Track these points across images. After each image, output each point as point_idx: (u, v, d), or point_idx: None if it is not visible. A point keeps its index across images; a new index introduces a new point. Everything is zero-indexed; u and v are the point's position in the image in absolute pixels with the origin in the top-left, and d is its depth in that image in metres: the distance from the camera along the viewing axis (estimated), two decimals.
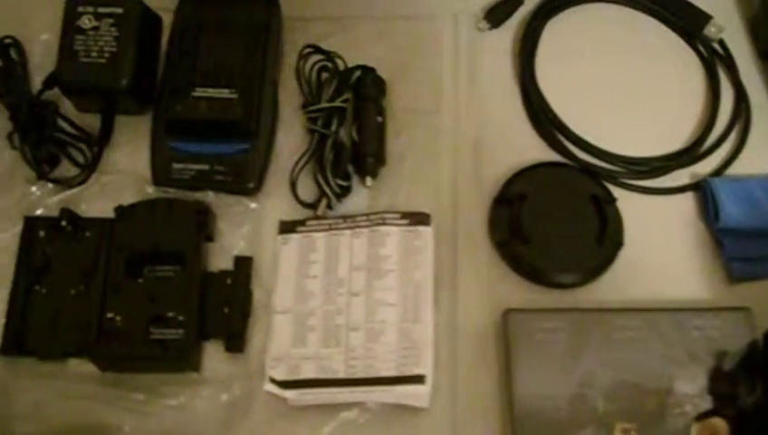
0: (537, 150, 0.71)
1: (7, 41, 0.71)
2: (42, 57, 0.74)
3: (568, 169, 0.70)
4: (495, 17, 0.75)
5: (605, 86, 0.74)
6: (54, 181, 0.69)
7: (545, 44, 0.75)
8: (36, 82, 0.72)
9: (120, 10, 0.69)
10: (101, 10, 0.69)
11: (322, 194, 0.67)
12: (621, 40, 0.76)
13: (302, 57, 0.71)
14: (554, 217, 0.68)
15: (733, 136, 0.73)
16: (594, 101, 0.73)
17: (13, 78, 0.71)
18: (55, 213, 0.68)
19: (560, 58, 0.74)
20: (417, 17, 0.75)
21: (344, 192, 0.67)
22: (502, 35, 0.76)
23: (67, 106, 0.71)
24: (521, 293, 0.67)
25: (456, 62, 0.74)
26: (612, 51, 0.75)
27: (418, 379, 0.62)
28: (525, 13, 0.77)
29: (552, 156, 0.71)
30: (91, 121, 0.72)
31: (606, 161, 0.70)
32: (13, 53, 0.72)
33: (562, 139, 0.71)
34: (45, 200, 0.69)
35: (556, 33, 0.76)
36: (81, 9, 0.69)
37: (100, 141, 0.70)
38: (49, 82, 0.71)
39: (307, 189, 0.69)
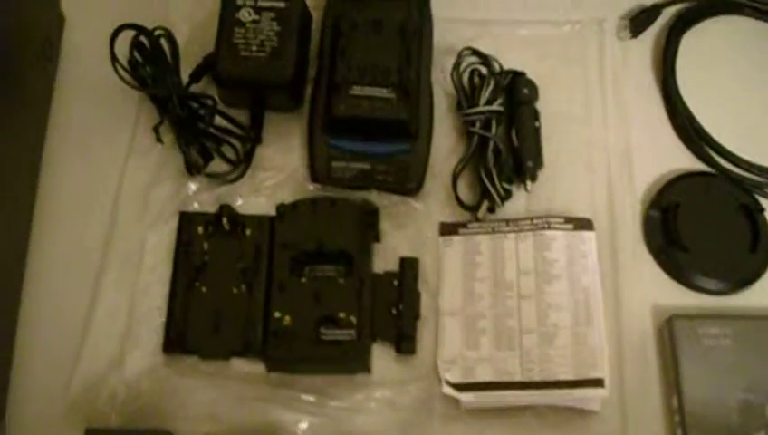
0: (683, 159, 0.72)
1: (158, 32, 0.69)
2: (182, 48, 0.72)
3: (716, 179, 0.71)
4: (637, 26, 0.76)
5: (745, 97, 0.75)
6: (210, 176, 0.67)
7: (684, 54, 0.75)
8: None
9: (281, 4, 0.68)
10: (262, 3, 0.68)
11: (484, 197, 0.67)
12: (759, 52, 0.77)
13: (460, 58, 0.70)
14: (707, 225, 0.69)
15: None
16: (734, 112, 0.74)
17: (163, 70, 0.69)
18: (210, 209, 0.67)
19: (700, 68, 0.75)
20: (560, 22, 0.76)
21: (507, 196, 0.67)
22: (640, 45, 0.76)
23: None
24: (678, 299, 0.67)
25: (601, 69, 0.74)
26: (750, 62, 0.76)
27: (597, 382, 0.62)
28: (662, 23, 0.77)
29: (698, 165, 0.72)
30: (236, 116, 0.70)
31: (752, 172, 0.71)
32: (164, 44, 0.70)
33: (708, 149, 0.72)
34: (199, 196, 0.67)
35: (695, 43, 0.76)
36: (240, 2, 0.68)
37: (255, 137, 0.68)
38: (197, 75, 0.70)
39: (463, 191, 0.69)
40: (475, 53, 0.71)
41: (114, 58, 0.68)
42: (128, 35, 0.67)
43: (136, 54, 0.69)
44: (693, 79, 0.75)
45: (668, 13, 0.78)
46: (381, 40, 0.70)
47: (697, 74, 0.75)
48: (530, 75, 0.72)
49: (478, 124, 0.69)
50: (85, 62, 0.73)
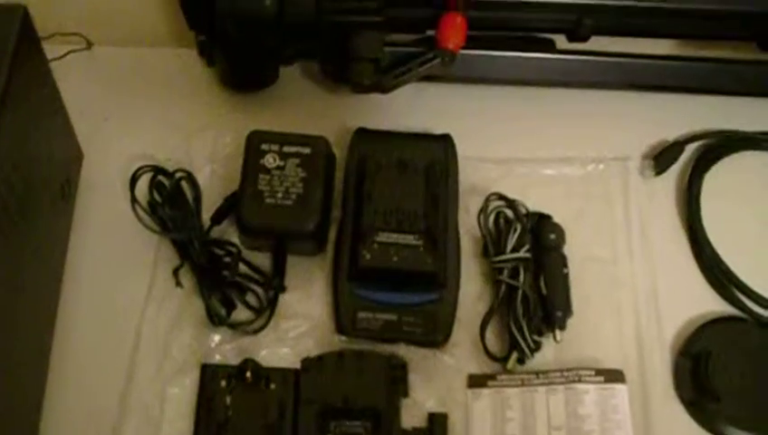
0: (711, 303, 0.71)
1: (179, 174, 0.68)
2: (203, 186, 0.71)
3: (747, 325, 0.70)
4: (661, 164, 0.75)
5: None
6: (233, 327, 0.66)
7: (709, 191, 0.75)
8: None
9: (307, 150, 0.67)
10: (287, 149, 0.67)
11: (513, 347, 0.66)
12: None
13: (488, 202, 0.69)
14: (739, 373, 0.67)
15: None
16: (762, 251, 0.73)
17: (184, 213, 0.67)
18: (232, 360, 0.65)
19: (726, 205, 0.74)
20: (585, 161, 0.75)
21: (537, 347, 0.66)
22: (664, 182, 0.76)
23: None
24: None
25: (626, 208, 0.73)
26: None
27: None
28: (685, 158, 0.77)
29: (727, 308, 0.71)
30: (258, 259, 0.69)
31: None
32: (185, 188, 0.69)
33: (737, 292, 0.71)
34: (222, 347, 0.66)
35: (719, 179, 0.76)
36: (265, 147, 0.67)
37: (278, 285, 0.67)
38: (218, 217, 0.69)
39: (491, 341, 0.67)
40: (502, 197, 0.69)
41: (134, 199, 0.67)
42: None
43: (156, 195, 0.68)
44: (719, 216, 0.74)
45: (691, 148, 0.77)
46: (407, 182, 0.69)
47: (723, 212, 0.74)
48: (555, 215, 0.71)
49: (506, 272, 0.68)
50: (102, 200, 0.72)
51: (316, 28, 0.70)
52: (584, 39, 0.73)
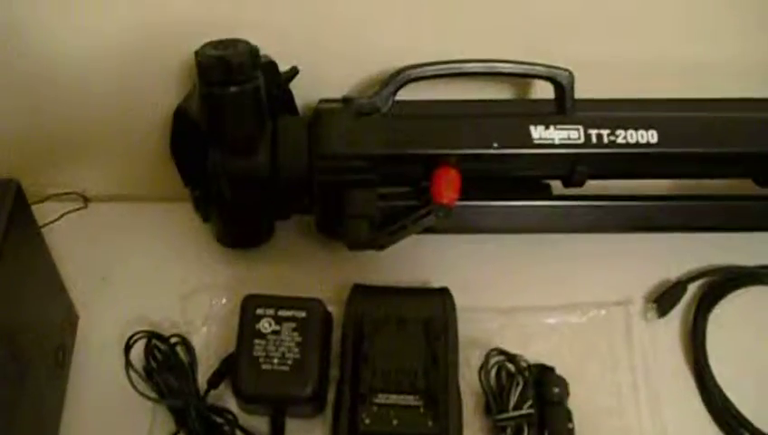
0: None
1: (174, 339, 0.68)
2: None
3: None
4: (664, 306, 0.74)
5: None
6: None
7: (715, 330, 0.74)
8: None
9: (302, 314, 0.67)
10: (282, 313, 0.67)
11: None
12: None
13: (489, 358, 0.68)
14: None
15: None
16: None
17: (180, 379, 0.67)
18: None
19: (732, 345, 0.73)
20: (587, 307, 0.74)
21: None
22: (668, 324, 0.75)
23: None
24: None
25: (630, 354, 0.72)
26: None
27: None
28: (688, 298, 0.76)
29: None
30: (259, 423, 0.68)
31: None
32: (180, 353, 0.68)
33: None
34: None
35: (724, 318, 0.75)
36: (260, 312, 0.67)
37: None
38: (215, 381, 0.68)
39: None
40: (502, 352, 0.68)
41: (129, 365, 0.66)
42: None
43: (151, 361, 0.68)
44: (726, 356, 0.72)
45: (694, 287, 0.76)
46: (405, 340, 0.68)
47: (731, 351, 0.73)
48: (558, 366, 0.70)
49: (509, 431, 0.66)
50: (97, 363, 0.71)
51: (310, 186, 0.70)
52: (579, 185, 0.73)
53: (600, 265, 0.76)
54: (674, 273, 0.77)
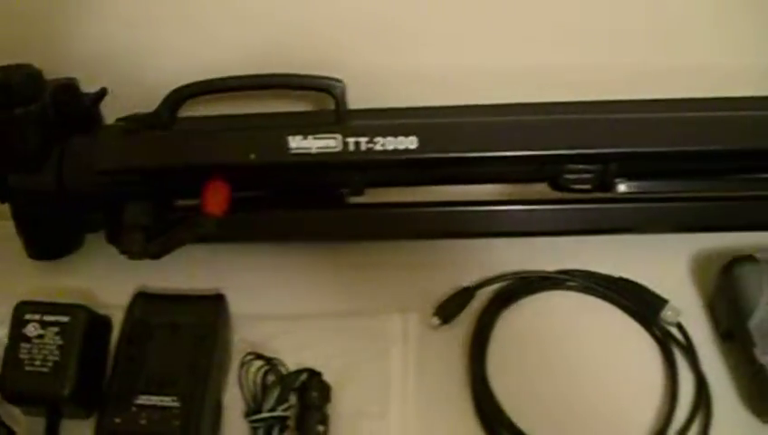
0: None
1: None
2: None
3: None
4: (446, 312, 0.75)
5: (561, 379, 0.72)
6: None
7: (500, 337, 0.74)
8: None
9: (65, 318, 0.70)
10: (47, 318, 0.70)
11: None
12: (576, 328, 0.75)
13: (245, 363, 0.70)
14: None
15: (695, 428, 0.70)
16: (552, 400, 0.71)
17: None
18: None
19: (515, 351, 0.73)
20: (366, 314, 0.75)
21: None
22: (455, 331, 0.75)
23: None
24: None
25: (405, 361, 0.73)
26: (567, 340, 0.74)
27: None
28: (477, 306, 0.76)
29: None
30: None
31: None
32: None
33: None
34: None
35: (511, 324, 0.75)
36: (28, 317, 0.70)
37: None
38: None
39: None
40: (260, 356, 0.70)
41: None
42: None
43: None
44: (509, 363, 0.73)
45: (485, 293, 0.77)
46: (175, 345, 0.71)
47: (514, 358, 0.73)
48: (332, 372, 0.71)
49: (261, 432, 0.68)
50: None
51: (95, 200, 0.74)
52: (358, 194, 0.75)
53: (386, 273, 0.77)
54: (466, 280, 0.77)
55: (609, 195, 0.76)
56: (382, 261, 0.78)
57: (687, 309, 0.77)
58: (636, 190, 0.76)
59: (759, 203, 0.78)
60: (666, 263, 0.80)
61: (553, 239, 0.79)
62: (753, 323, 0.71)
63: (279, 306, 0.76)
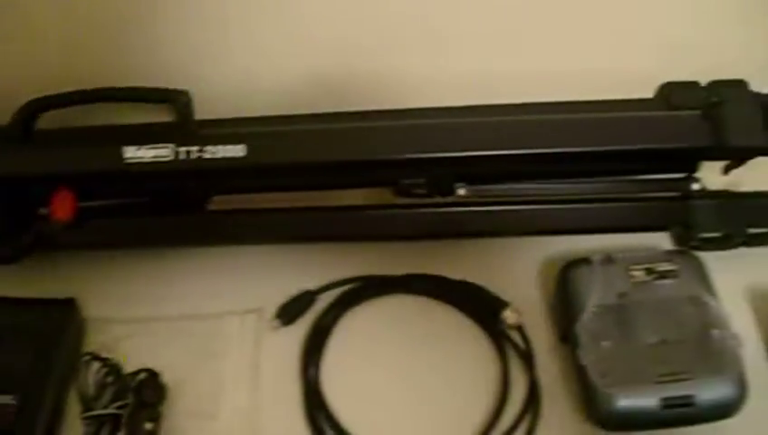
0: None
1: None
2: None
3: None
4: (287, 314, 0.77)
5: (396, 382, 0.74)
6: None
7: (341, 340, 0.76)
8: None
9: None
10: None
11: None
12: (416, 331, 0.77)
13: (84, 364, 0.73)
14: None
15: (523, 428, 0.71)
16: (384, 403, 0.73)
17: None
18: None
19: (354, 354, 0.76)
20: (211, 316, 0.77)
21: None
22: (298, 334, 0.77)
23: None
24: None
25: (240, 363, 0.75)
26: (407, 343, 0.76)
27: None
28: (319, 309, 0.78)
29: None
30: None
31: None
32: None
33: None
34: None
35: (352, 327, 0.77)
36: None
37: None
38: None
39: None
40: (96, 357, 0.73)
41: None
42: None
43: None
44: (344, 367, 0.75)
45: (328, 297, 0.79)
46: (21, 347, 0.74)
47: (350, 360, 0.75)
48: (173, 373, 0.74)
49: (92, 428, 0.71)
50: None
51: None
52: (201, 201, 0.78)
53: (232, 277, 0.80)
54: (312, 283, 0.79)
55: (451, 199, 0.77)
56: (229, 265, 0.81)
57: (532, 312, 0.78)
58: (475, 194, 0.77)
59: (601, 205, 0.79)
60: (516, 266, 0.81)
61: (406, 244, 0.81)
62: (580, 325, 0.72)
63: (128, 310, 0.78)
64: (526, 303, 0.78)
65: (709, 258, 0.77)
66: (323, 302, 0.79)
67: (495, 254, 0.81)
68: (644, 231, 0.81)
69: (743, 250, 0.79)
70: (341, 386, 0.74)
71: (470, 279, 0.79)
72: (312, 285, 0.79)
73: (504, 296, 0.78)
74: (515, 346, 0.76)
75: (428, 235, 0.80)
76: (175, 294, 0.79)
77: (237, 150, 0.73)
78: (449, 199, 0.78)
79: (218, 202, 0.81)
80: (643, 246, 0.79)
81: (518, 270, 0.80)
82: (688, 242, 0.79)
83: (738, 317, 0.76)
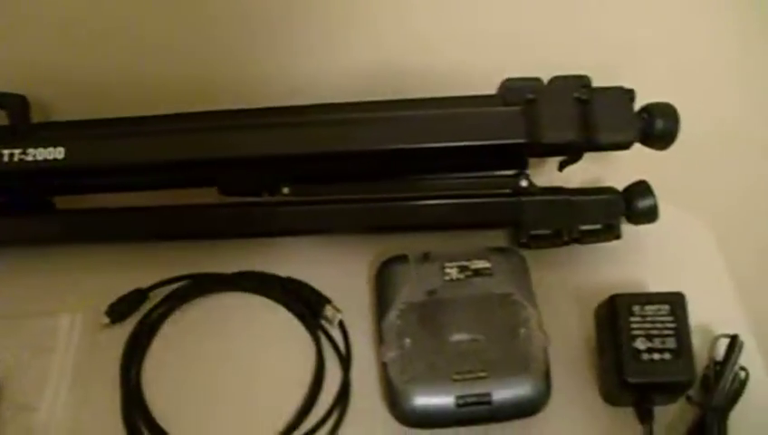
0: None
1: None
2: None
3: None
4: (117, 312, 0.78)
5: (215, 378, 0.75)
6: None
7: (167, 338, 0.78)
8: None
9: None
10: None
11: None
12: (241, 328, 0.78)
13: None
14: None
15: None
16: (202, 399, 0.75)
17: None
18: None
19: (178, 352, 0.77)
20: (45, 314, 0.79)
21: None
22: (127, 331, 0.78)
23: None
24: None
25: (65, 360, 0.76)
26: (230, 340, 0.77)
27: None
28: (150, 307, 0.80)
29: None
30: None
31: None
32: None
33: None
34: None
35: (179, 325, 0.79)
36: None
37: None
38: None
39: None
40: None
41: None
42: None
43: None
44: (169, 362, 0.76)
45: (160, 295, 0.80)
46: None
47: (173, 357, 0.77)
48: (2, 368, 0.76)
49: None
50: None
51: None
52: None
53: (67, 276, 0.81)
54: (145, 281, 0.80)
55: (276, 199, 0.78)
56: (65, 264, 0.82)
57: (358, 309, 0.78)
58: (299, 193, 0.78)
59: (431, 203, 0.79)
60: (348, 264, 0.81)
61: (240, 242, 0.82)
62: (387, 321, 0.73)
63: None
64: (353, 300, 0.78)
65: (543, 256, 0.77)
66: (155, 300, 0.79)
67: (329, 251, 0.82)
68: (477, 229, 0.81)
69: (577, 247, 0.79)
70: (163, 383, 0.75)
71: (301, 277, 0.80)
72: (142, 283, 0.80)
73: (335, 294, 0.79)
74: (333, 343, 0.76)
75: (258, 233, 0.80)
76: (11, 294, 0.81)
77: (57, 153, 0.74)
78: (275, 199, 0.78)
79: (63, 202, 0.83)
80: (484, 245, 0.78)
81: (351, 267, 0.81)
82: (519, 240, 0.78)
83: (563, 316, 0.76)
